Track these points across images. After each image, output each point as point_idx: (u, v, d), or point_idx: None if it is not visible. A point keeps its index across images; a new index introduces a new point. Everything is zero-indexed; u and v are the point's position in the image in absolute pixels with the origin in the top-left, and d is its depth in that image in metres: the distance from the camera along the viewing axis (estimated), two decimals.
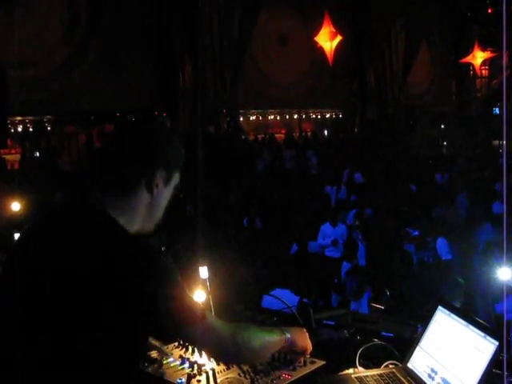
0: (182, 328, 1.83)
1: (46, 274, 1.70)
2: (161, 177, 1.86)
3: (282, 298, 2.94)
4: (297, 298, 5.12)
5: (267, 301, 4.71)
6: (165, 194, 1.91)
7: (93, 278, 1.66)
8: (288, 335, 2.23)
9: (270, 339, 2.16)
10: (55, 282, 1.68)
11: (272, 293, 4.83)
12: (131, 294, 1.67)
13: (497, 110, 26.74)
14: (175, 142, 1.95)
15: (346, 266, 7.79)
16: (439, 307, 2.31)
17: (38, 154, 18.43)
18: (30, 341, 1.70)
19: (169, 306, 1.75)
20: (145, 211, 1.87)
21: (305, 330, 2.38)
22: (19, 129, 19.24)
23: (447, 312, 2.26)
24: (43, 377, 1.69)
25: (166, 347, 2.51)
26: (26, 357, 1.70)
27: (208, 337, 1.89)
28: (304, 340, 2.32)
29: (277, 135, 24.05)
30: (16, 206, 4.90)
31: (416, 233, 8.53)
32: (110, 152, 1.91)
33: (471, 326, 2.10)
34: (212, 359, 2.38)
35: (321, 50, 19.20)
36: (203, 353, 2.46)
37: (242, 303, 3.05)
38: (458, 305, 3.59)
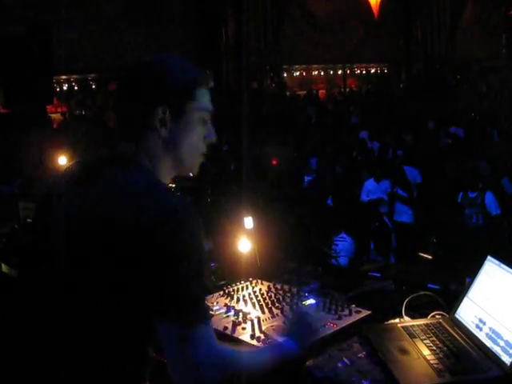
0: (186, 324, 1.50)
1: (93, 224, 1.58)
2: (165, 113, 1.63)
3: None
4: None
5: None
6: (183, 131, 1.66)
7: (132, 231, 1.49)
8: (289, 343, 1.85)
9: (266, 361, 1.75)
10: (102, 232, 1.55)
11: None
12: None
13: None
14: (178, 68, 1.67)
15: None
16: (488, 257, 2.26)
17: (83, 113, 18.64)
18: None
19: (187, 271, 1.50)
20: (165, 155, 1.66)
21: (304, 313, 2.12)
22: (65, 87, 19.40)
23: (497, 262, 2.20)
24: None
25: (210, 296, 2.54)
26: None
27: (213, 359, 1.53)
28: (305, 328, 1.98)
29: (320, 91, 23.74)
30: (63, 160, 4.96)
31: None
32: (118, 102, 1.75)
33: None
34: (258, 308, 2.40)
35: (366, 4, 18.79)
36: (248, 301, 2.48)
37: (286, 253, 3.05)
38: None
